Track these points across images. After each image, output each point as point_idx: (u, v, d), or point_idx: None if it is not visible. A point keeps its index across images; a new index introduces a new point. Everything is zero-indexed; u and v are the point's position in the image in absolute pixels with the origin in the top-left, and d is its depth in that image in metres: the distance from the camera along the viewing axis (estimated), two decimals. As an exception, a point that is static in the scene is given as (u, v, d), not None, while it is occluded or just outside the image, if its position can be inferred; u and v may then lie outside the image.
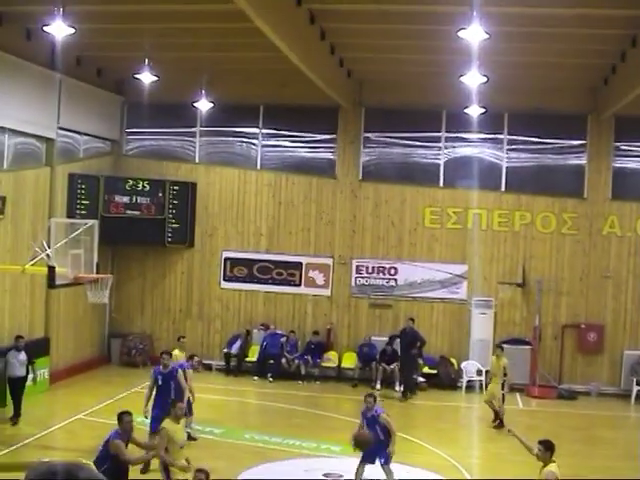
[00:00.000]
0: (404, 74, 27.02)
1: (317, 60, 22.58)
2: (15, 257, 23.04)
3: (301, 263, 28.96)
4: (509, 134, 27.98)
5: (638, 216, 27.35)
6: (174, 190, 28.54)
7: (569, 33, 20.77)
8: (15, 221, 23.70)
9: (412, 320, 26.89)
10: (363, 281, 28.63)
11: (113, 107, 29.27)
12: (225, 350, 28.26)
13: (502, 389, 23.01)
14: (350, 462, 18.50)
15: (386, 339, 27.36)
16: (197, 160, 29.67)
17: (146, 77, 23.94)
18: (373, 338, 28.00)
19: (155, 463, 15.18)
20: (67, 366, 26.68)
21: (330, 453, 19.51)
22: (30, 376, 21.66)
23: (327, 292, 28.86)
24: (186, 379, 19.25)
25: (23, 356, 21.44)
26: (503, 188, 28.07)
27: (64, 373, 26.23)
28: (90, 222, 21.92)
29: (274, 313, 29.17)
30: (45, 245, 19.94)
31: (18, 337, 21.81)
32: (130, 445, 14.18)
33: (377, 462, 16.48)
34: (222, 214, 29.39)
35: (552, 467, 12.64)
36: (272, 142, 29.35)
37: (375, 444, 16.38)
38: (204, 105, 27.10)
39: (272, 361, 27.95)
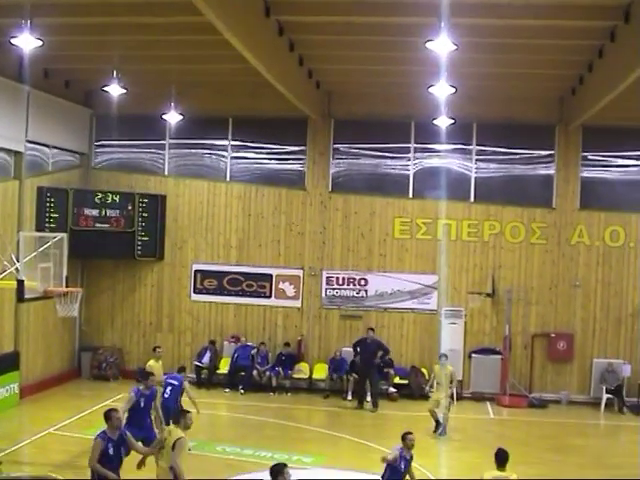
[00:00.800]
0: (373, 85, 27.06)
1: (286, 72, 22.59)
2: (-17, 271, 22.88)
3: (271, 275, 28.93)
4: (478, 144, 28.11)
5: (606, 225, 27.53)
6: (143, 203, 28.46)
7: (537, 44, 20.88)
8: (-17, 235, 23.54)
9: (372, 330, 26.94)
10: (333, 292, 28.64)
11: (82, 120, 29.15)
12: (195, 362, 28.17)
13: (450, 397, 23.24)
14: (321, 473, 18.55)
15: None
16: (166, 172, 29.60)
17: (115, 89, 23.87)
18: (344, 349, 27.96)
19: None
20: (37, 380, 26.50)
21: (302, 464, 19.43)
22: None
23: (297, 303, 28.85)
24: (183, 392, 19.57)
25: None
26: (472, 198, 28.18)
27: (34, 387, 26.04)
28: (59, 235, 21.82)
29: (245, 325, 29.12)
30: (14, 259, 19.83)
31: None
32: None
33: None
34: (192, 226, 29.33)
35: (487, 473, 13.57)
36: (241, 154, 29.32)
37: None
38: (173, 117, 27.04)
39: (243, 373, 27.90)
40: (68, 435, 21.45)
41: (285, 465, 12.74)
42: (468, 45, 19.21)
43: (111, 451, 13.91)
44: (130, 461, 14.64)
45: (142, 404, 17.77)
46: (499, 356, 27.57)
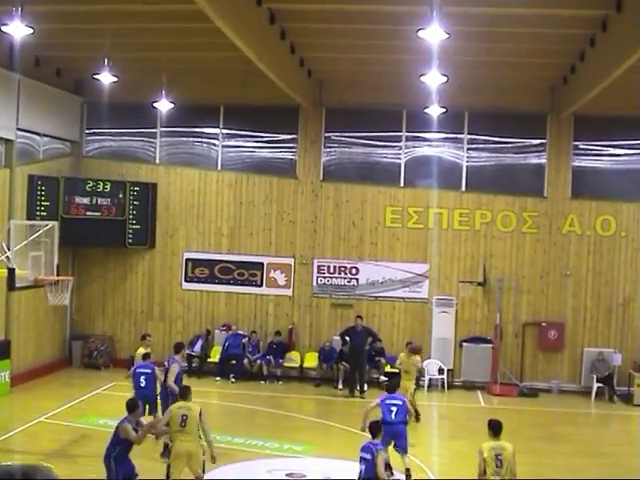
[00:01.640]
0: (364, 74, 27.06)
1: (277, 60, 22.56)
2: (-26, 259, 22.83)
3: (262, 263, 28.93)
4: (469, 133, 28.11)
5: (597, 215, 27.57)
6: (134, 191, 28.42)
7: (528, 33, 20.86)
8: (-26, 223, 23.50)
9: (360, 317, 27.01)
10: (325, 281, 28.65)
11: (73, 108, 29.09)
12: (187, 351, 28.16)
13: (415, 385, 23.10)
14: (312, 462, 18.58)
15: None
16: (157, 161, 29.56)
17: (106, 77, 23.74)
18: (334, 338, 27.98)
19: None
20: (28, 369, 26.48)
21: (293, 453, 19.49)
22: None
23: (289, 292, 28.85)
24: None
25: None
26: (464, 187, 28.19)
27: (25, 376, 26.02)
28: (50, 224, 21.74)
29: (236, 313, 29.12)
30: (4, 247, 19.77)
31: None
32: None
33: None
34: (183, 215, 29.31)
35: (484, 444, 13.63)
36: (233, 142, 29.29)
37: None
38: (164, 105, 26.98)
39: (234, 362, 27.91)
40: (59, 423, 21.45)
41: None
42: (460, 34, 19.19)
43: None
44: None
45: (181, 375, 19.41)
46: (490, 345, 27.64)
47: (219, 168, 29.27)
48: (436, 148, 28.38)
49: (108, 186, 28.15)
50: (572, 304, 27.77)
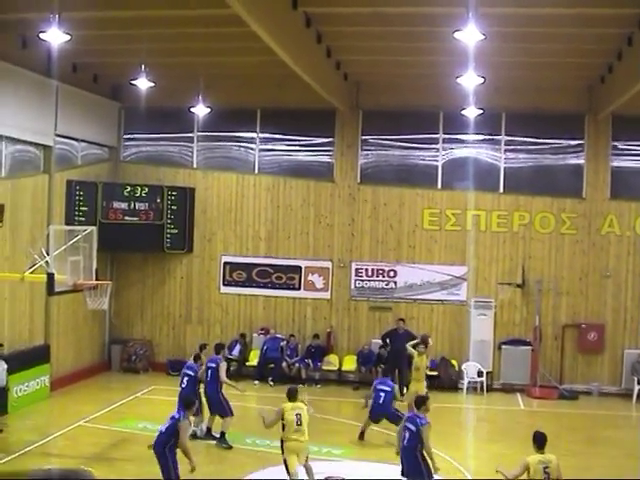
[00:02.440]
0: (401, 76, 27.00)
1: (313, 63, 22.55)
2: (14, 265, 22.99)
3: (300, 267, 28.95)
4: (507, 135, 27.97)
5: (637, 215, 27.33)
6: (172, 196, 28.53)
7: (565, 33, 20.73)
8: (14, 229, 23.68)
9: (402, 320, 26.96)
10: (362, 284, 28.62)
11: (110, 113, 29.27)
12: (226, 355, 28.17)
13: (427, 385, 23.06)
14: (351, 465, 18.55)
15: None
16: (195, 165, 29.67)
17: (142, 83, 23.90)
18: (373, 341, 27.95)
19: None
20: (67, 373, 26.67)
21: (331, 456, 19.47)
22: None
23: (327, 295, 28.85)
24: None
25: (4, 365, 21.41)
26: (501, 189, 28.05)
27: (65, 380, 26.20)
28: (89, 229, 21.86)
29: (274, 317, 29.17)
30: (44, 252, 19.91)
31: None
32: None
33: None
34: (220, 219, 29.39)
35: (530, 457, 13.15)
36: (270, 146, 29.34)
37: None
38: (201, 110, 27.09)
39: (272, 365, 27.94)
40: (99, 427, 21.57)
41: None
42: (496, 35, 19.11)
43: None
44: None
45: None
46: (529, 347, 27.46)
47: (256, 172, 29.31)
48: (473, 150, 28.28)
49: (146, 191, 28.28)
50: (612, 305, 27.54)
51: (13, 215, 23.63)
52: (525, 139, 27.91)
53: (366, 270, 28.62)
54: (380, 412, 20.73)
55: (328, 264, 28.80)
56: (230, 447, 20.07)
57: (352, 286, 28.68)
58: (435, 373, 27.59)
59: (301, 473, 16.43)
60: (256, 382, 27.73)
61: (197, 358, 21.33)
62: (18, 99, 23.38)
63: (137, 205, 28.16)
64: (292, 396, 16.99)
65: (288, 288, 29.04)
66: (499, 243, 28.02)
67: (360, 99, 28.57)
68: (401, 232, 28.46)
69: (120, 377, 28.55)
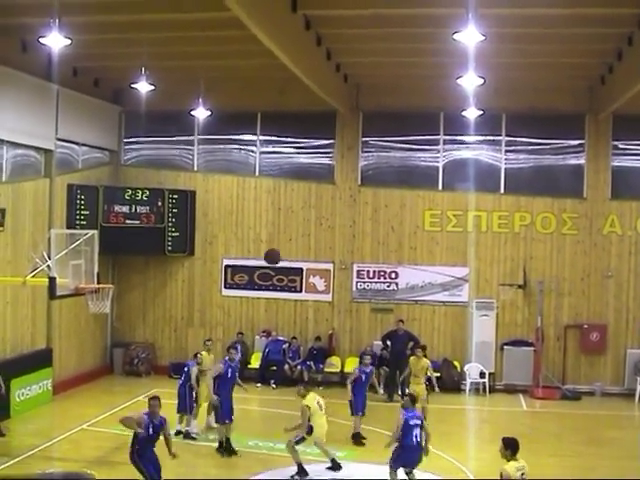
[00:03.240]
0: (401, 77, 27.00)
1: (313, 66, 22.56)
2: (16, 269, 23.04)
3: (302, 269, 28.95)
4: (507, 135, 27.99)
5: (638, 215, 27.33)
6: (173, 199, 28.55)
7: (565, 33, 20.73)
8: (15, 233, 23.70)
9: (402, 321, 27.02)
10: (364, 286, 28.63)
11: (111, 117, 29.30)
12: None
13: (427, 389, 22.85)
14: (354, 467, 18.54)
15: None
16: (195, 168, 29.70)
17: (143, 86, 23.93)
18: (375, 343, 27.95)
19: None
20: (70, 377, 26.68)
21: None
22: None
23: (328, 297, 28.86)
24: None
25: None
26: (502, 190, 28.06)
27: (67, 384, 26.22)
28: (90, 232, 21.92)
29: (275, 320, 29.18)
30: (45, 256, 19.95)
31: None
32: None
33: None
34: (221, 222, 29.41)
35: (507, 466, 12.55)
36: (270, 149, 29.36)
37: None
38: (202, 113, 27.12)
39: (274, 368, 27.95)
40: (101, 431, 21.56)
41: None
42: (496, 36, 19.10)
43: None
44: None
45: (229, 374, 20.03)
46: (531, 348, 27.45)
47: (257, 175, 29.34)
48: (474, 151, 28.29)
49: (147, 194, 28.31)
50: (614, 305, 27.53)
51: (14, 219, 23.65)
52: (525, 140, 27.92)
53: (367, 272, 28.63)
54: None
55: (329, 266, 28.81)
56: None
57: (354, 288, 28.70)
58: (437, 374, 27.52)
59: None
60: (258, 385, 27.69)
61: (195, 355, 22.21)
62: (19, 103, 23.41)
63: (138, 208, 28.19)
64: (308, 388, 19.07)
65: (290, 290, 29.05)
66: (500, 244, 28.03)
67: (360, 101, 28.58)
68: (402, 234, 28.46)
69: (122, 380, 28.56)
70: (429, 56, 23.64)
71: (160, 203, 28.37)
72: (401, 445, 16.51)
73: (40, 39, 17.87)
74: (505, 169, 28.10)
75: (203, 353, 22.40)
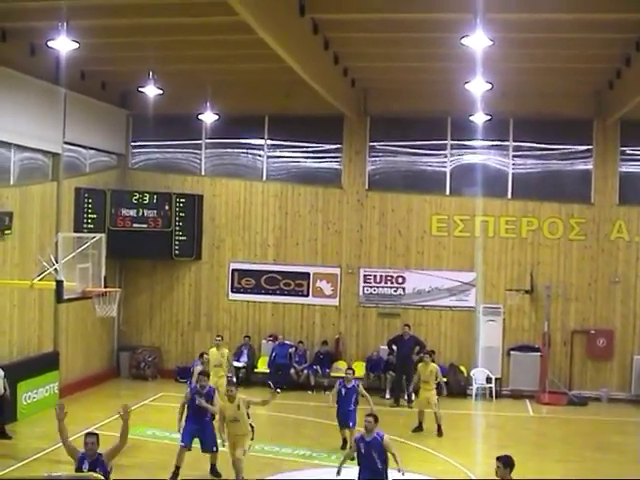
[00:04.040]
0: (408, 82, 27.01)
1: (321, 70, 22.57)
2: (23, 272, 23.07)
3: (309, 273, 28.95)
4: (515, 140, 27.96)
5: (646, 221, 27.31)
6: (180, 203, 28.58)
7: (573, 38, 20.73)
8: (22, 236, 23.73)
9: (408, 326, 26.98)
10: (371, 290, 28.61)
11: (118, 121, 29.33)
12: (234, 363, 27.96)
13: (437, 394, 22.85)
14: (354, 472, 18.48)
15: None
16: (203, 172, 29.71)
17: (150, 90, 23.99)
18: (382, 347, 27.93)
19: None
20: (76, 380, 26.70)
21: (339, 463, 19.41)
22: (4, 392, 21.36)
23: (335, 302, 28.85)
24: None
25: (0, 372, 21.28)
26: (509, 195, 28.03)
27: (74, 387, 26.23)
28: (97, 236, 21.95)
29: (282, 324, 29.17)
30: (53, 259, 19.98)
31: None
32: None
33: None
34: (229, 226, 29.42)
35: None
36: (277, 153, 29.37)
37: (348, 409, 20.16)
38: (209, 117, 27.14)
39: (280, 372, 27.93)
40: (107, 434, 21.42)
41: None
42: (504, 41, 19.07)
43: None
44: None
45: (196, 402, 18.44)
46: (538, 353, 27.41)
47: (264, 179, 29.34)
48: (481, 156, 28.26)
49: (154, 198, 28.34)
50: (621, 311, 27.48)
51: (22, 223, 23.68)
52: (533, 145, 27.87)
53: (374, 276, 28.62)
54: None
55: (336, 270, 28.80)
56: None
57: (360, 292, 28.68)
58: (444, 379, 27.50)
59: None
60: (278, 390, 27.51)
61: (200, 355, 23.01)
62: (27, 107, 23.45)
63: (145, 212, 28.23)
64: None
65: (296, 295, 29.04)
66: (507, 249, 27.99)
67: (368, 105, 28.58)
68: (409, 238, 28.45)
69: (129, 384, 28.56)
70: (437, 61, 23.63)
71: (167, 207, 28.39)
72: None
73: (48, 43, 17.91)
74: (512, 174, 28.07)
75: (211, 349, 23.46)
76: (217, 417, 18.18)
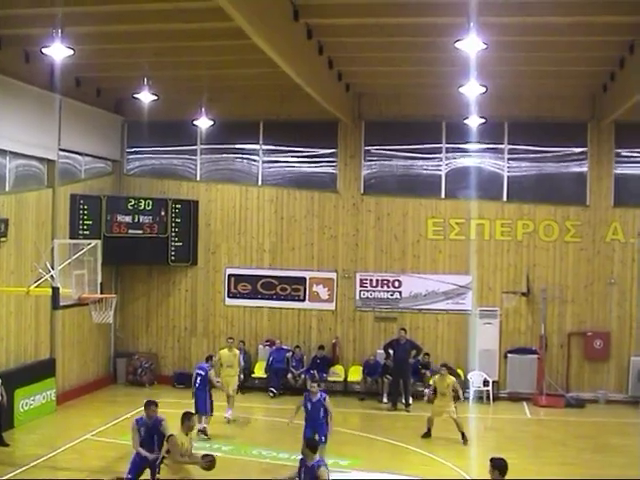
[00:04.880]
0: (403, 86, 27.04)
1: (315, 75, 22.58)
2: (19, 279, 23.07)
3: (305, 278, 28.94)
4: (509, 143, 27.97)
5: (641, 222, 27.33)
6: (176, 208, 28.59)
7: (567, 41, 20.77)
8: (18, 243, 23.71)
9: (404, 330, 26.97)
10: (367, 294, 28.61)
11: (113, 127, 29.33)
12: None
13: (455, 401, 22.60)
14: (358, 476, 18.51)
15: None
16: (198, 178, 29.71)
17: (145, 96, 24.01)
18: (378, 351, 27.93)
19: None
20: (73, 387, 26.69)
21: (338, 467, 19.38)
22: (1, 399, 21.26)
23: (332, 306, 28.84)
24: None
25: None
26: (505, 197, 28.05)
27: (71, 394, 26.24)
28: (93, 242, 21.98)
29: (279, 329, 29.16)
30: (49, 266, 19.99)
31: None
32: None
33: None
34: (224, 231, 29.42)
35: None
36: (273, 158, 29.36)
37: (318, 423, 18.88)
38: (204, 123, 27.15)
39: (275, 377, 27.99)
40: (105, 441, 21.56)
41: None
42: (497, 44, 19.13)
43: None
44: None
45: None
46: (535, 355, 27.41)
47: (260, 184, 29.35)
48: (476, 159, 28.26)
49: (150, 204, 28.34)
50: (617, 313, 27.49)
51: (18, 229, 23.66)
52: (528, 147, 27.89)
53: (371, 280, 28.62)
54: None
55: (333, 275, 28.81)
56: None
57: (357, 297, 28.68)
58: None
59: None
60: (272, 393, 27.68)
61: (209, 358, 23.01)
62: (21, 114, 23.45)
63: (141, 218, 28.23)
64: None
65: (293, 299, 29.04)
66: (503, 252, 28.00)
67: (362, 110, 28.62)
68: (405, 242, 28.45)
69: (126, 390, 28.53)
70: (431, 65, 23.67)
71: (163, 213, 28.40)
72: None
73: (43, 50, 17.91)
74: (508, 177, 28.09)
75: (223, 350, 24.60)
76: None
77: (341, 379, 28.35)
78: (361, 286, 28.65)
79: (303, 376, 27.97)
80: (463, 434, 22.11)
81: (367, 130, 28.77)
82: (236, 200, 29.39)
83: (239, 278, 29.37)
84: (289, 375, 28.00)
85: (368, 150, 28.80)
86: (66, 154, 26.30)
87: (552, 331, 27.64)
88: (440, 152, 28.33)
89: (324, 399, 19.17)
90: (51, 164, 25.41)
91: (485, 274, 28.01)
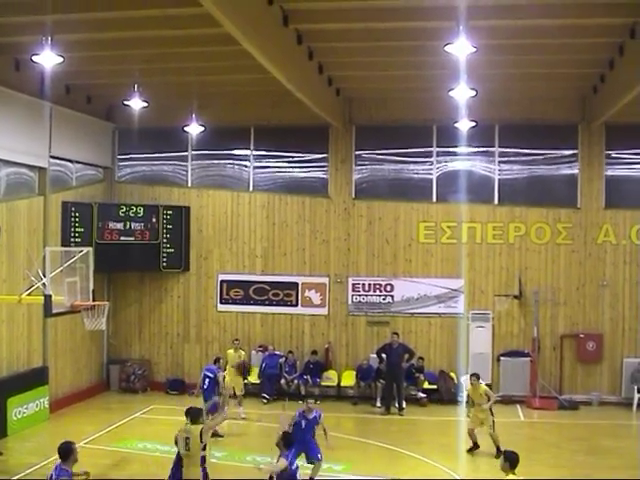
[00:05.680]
0: (393, 90, 27.07)
1: (306, 80, 22.59)
2: (11, 287, 23.02)
3: (297, 283, 28.93)
4: (500, 146, 28.00)
5: (632, 224, 27.31)
6: (168, 215, 28.57)
7: (556, 44, 20.80)
8: (10, 251, 23.67)
9: (396, 334, 26.94)
10: (360, 299, 28.61)
11: (104, 134, 29.31)
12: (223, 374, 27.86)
13: (492, 415, 21.68)
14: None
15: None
16: (189, 184, 29.69)
17: (136, 103, 24.01)
18: (371, 356, 27.92)
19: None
20: (66, 394, 26.63)
21: (332, 472, 19.43)
22: None
23: (324, 311, 28.83)
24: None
25: None
26: (496, 201, 28.07)
27: (64, 401, 26.17)
28: (85, 250, 21.91)
29: (272, 334, 29.14)
30: (40, 274, 19.92)
31: None
32: None
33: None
34: (216, 237, 29.40)
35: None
36: (264, 163, 29.35)
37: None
38: (195, 129, 27.16)
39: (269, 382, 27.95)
40: (99, 448, 21.51)
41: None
42: (487, 47, 19.17)
43: None
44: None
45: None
46: (528, 358, 27.42)
47: (251, 189, 29.34)
48: (467, 162, 28.28)
49: (141, 211, 28.32)
50: (610, 315, 27.52)
51: (9, 237, 23.62)
52: (519, 150, 27.90)
53: (363, 285, 28.62)
54: None
55: (325, 280, 28.80)
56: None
57: (349, 301, 28.68)
58: (434, 387, 27.59)
59: None
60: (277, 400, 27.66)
61: (217, 360, 23.49)
62: (12, 122, 23.42)
63: (133, 225, 28.20)
64: None
65: (285, 305, 29.02)
66: (495, 255, 28.02)
67: (353, 114, 28.63)
68: (397, 246, 28.46)
69: (119, 397, 28.49)
70: (421, 69, 23.69)
71: (155, 219, 28.38)
72: None
73: (33, 57, 17.90)
74: (499, 180, 28.11)
75: (229, 351, 25.72)
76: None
77: (334, 384, 28.33)
78: (353, 291, 28.65)
79: (296, 381, 27.95)
80: (498, 448, 20.83)
81: (358, 135, 28.78)
82: (227, 206, 29.38)
83: (231, 284, 29.35)
84: (282, 381, 27.97)
85: (359, 155, 28.80)
86: (57, 161, 26.27)
87: (545, 334, 27.66)
88: (431, 156, 28.35)
89: (319, 416, 18.81)
90: (42, 172, 25.38)
91: (477, 277, 28.03)
